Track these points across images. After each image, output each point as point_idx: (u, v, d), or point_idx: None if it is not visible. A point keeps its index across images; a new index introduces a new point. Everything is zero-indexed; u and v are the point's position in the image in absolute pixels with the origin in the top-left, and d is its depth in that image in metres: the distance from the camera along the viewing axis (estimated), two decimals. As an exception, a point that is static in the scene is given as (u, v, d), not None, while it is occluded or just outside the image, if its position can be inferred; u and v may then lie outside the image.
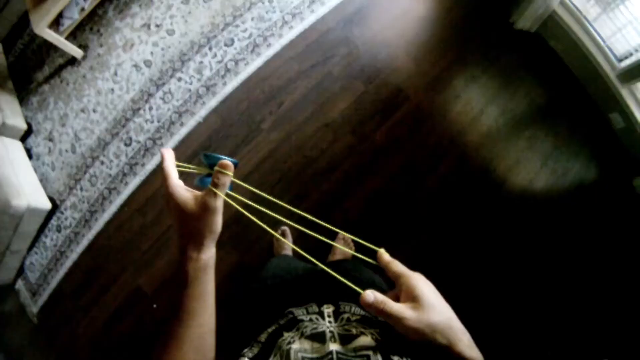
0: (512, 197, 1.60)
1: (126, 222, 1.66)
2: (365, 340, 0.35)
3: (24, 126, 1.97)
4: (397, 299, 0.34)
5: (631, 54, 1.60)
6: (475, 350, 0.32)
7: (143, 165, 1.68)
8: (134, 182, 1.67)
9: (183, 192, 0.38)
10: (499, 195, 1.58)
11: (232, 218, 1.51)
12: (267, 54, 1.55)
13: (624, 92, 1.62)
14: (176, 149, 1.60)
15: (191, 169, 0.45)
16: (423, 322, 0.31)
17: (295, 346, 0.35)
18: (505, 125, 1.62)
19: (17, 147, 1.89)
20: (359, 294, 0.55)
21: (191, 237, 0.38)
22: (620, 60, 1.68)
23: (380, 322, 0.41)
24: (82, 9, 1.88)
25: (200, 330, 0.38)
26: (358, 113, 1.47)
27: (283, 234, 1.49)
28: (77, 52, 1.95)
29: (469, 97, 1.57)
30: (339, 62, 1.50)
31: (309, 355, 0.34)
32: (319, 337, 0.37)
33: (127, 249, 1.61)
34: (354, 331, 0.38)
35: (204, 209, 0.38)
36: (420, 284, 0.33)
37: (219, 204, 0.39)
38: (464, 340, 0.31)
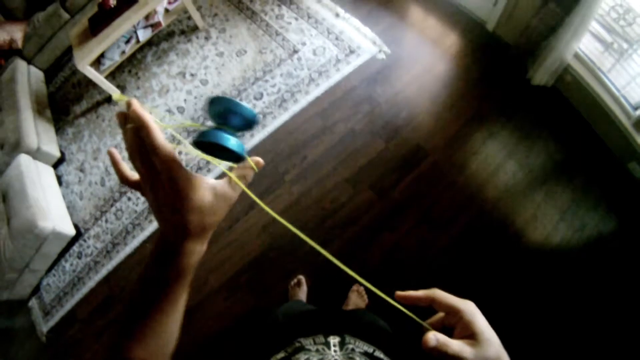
0: (529, 251, 1.60)
1: (147, 259, 1.72)
2: None
3: (58, 154, 2.10)
4: (443, 329, 0.33)
5: (645, 102, 1.62)
6: None
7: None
8: (145, 233, 1.74)
9: (190, 173, 0.28)
10: (516, 249, 1.59)
11: (250, 263, 1.55)
12: (293, 109, 1.64)
13: None
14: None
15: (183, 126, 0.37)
16: (480, 358, 0.30)
17: None
18: (523, 180, 1.64)
19: (49, 172, 2.01)
20: (368, 330, 0.56)
21: (199, 229, 0.30)
22: (636, 109, 1.69)
23: (381, 358, 0.42)
24: (123, 52, 2.05)
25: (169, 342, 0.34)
26: (378, 169, 1.52)
27: (298, 283, 1.52)
28: (115, 91, 2.10)
29: (486, 154, 1.61)
30: (361, 119, 1.58)
31: None
32: None
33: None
34: None
35: (225, 201, 0.31)
36: (477, 317, 0.32)
37: (237, 195, 0.33)
38: None
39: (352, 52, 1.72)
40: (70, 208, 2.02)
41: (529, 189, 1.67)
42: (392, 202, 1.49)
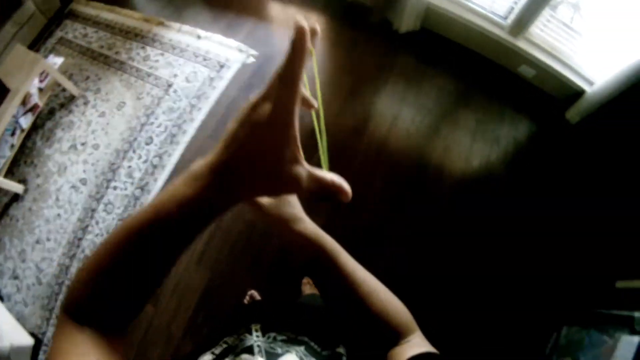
0: (455, 182, 1.65)
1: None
2: (291, 357, 0.38)
3: (-13, 275, 2.00)
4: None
5: (512, 8, 1.68)
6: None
7: (106, 277, 1.73)
8: None
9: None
10: (441, 186, 1.64)
11: (200, 299, 1.55)
12: (184, 140, 1.65)
13: (521, 44, 1.69)
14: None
15: None
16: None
17: None
18: (423, 121, 1.69)
19: None
20: (287, 316, 0.58)
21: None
22: (505, 18, 1.74)
23: (304, 341, 0.44)
24: (12, 145, 1.98)
25: None
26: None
27: (252, 298, 1.54)
28: (18, 188, 2.03)
29: (379, 112, 1.67)
30: (250, 127, 1.61)
31: None
32: (248, 350, 0.39)
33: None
34: (279, 350, 0.40)
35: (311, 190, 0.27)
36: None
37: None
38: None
39: (222, 66, 1.75)
40: (21, 319, 1.94)
41: (432, 127, 1.74)
42: (306, 191, 1.54)
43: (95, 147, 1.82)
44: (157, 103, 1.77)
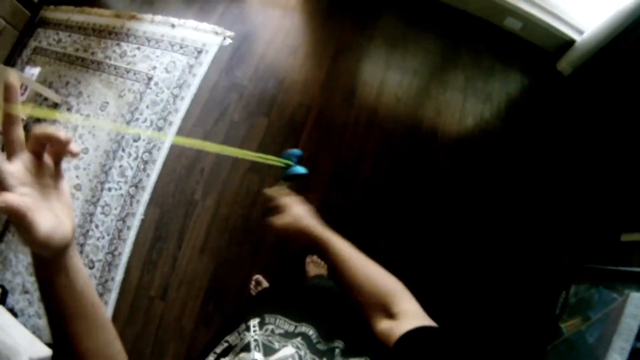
0: (450, 144, 1.61)
1: (122, 338, 1.68)
2: (287, 351, 0.38)
3: (-2, 292, 2.02)
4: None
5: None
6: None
7: (113, 279, 1.72)
8: (112, 298, 1.70)
9: None
10: (436, 148, 1.60)
11: (208, 290, 1.54)
12: (172, 131, 1.62)
13: None
14: (133, 251, 1.64)
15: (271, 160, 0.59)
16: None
17: None
18: (410, 84, 1.64)
19: (0, 311, 1.93)
20: (287, 300, 0.59)
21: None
22: None
23: (302, 332, 0.44)
24: (5, 164, 1.95)
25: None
26: (272, 144, 1.52)
27: (257, 283, 1.53)
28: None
29: (365, 78, 1.62)
30: (235, 108, 1.57)
31: None
32: (245, 348, 0.39)
33: None
34: (276, 345, 0.40)
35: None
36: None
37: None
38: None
39: (199, 52, 1.70)
40: (37, 331, 1.95)
41: (421, 89, 1.68)
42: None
43: (85, 151, 1.79)
44: (140, 98, 1.72)
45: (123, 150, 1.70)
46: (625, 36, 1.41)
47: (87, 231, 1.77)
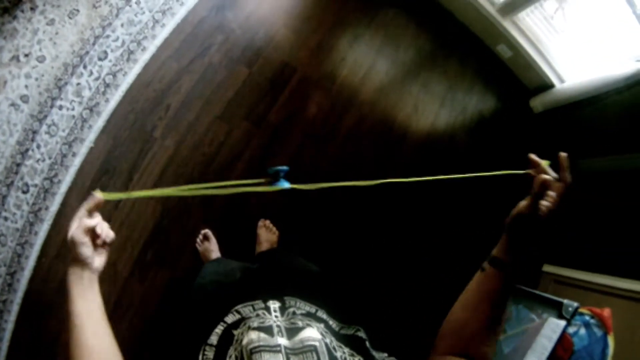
0: (417, 142, 1.66)
1: (49, 273, 1.55)
2: (312, 332, 0.37)
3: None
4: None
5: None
6: None
7: (47, 208, 1.57)
8: (43, 229, 1.56)
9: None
10: (404, 143, 1.64)
11: (150, 236, 1.44)
12: (143, 58, 1.47)
13: (507, 24, 1.71)
14: (74, 181, 1.51)
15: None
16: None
17: (244, 342, 0.36)
18: (396, 76, 1.65)
19: None
20: (305, 286, 0.58)
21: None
22: None
23: (324, 319, 0.44)
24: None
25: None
26: (248, 97, 1.43)
27: (205, 237, 1.45)
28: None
29: (355, 57, 1.57)
30: (217, 50, 1.45)
31: (256, 344, 0.35)
32: (266, 330, 0.38)
33: (59, 299, 1.51)
34: (300, 324, 0.39)
35: None
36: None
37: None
38: None
39: (193, -19, 1.54)
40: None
41: (404, 84, 1.68)
42: (271, 126, 1.42)
43: (41, 59, 1.59)
44: (116, 14, 1.54)
45: (85, 67, 1.53)
46: (598, 100, 1.54)
47: (27, 150, 1.60)
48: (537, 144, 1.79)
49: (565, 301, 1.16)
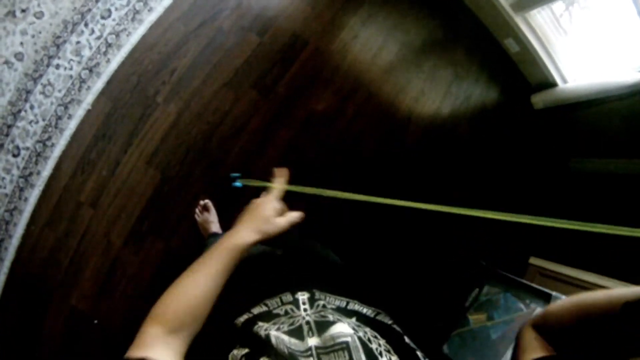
0: (421, 126, 1.66)
1: (39, 242, 1.48)
2: (343, 327, 0.35)
3: None
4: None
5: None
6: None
7: (39, 173, 1.49)
8: (33, 195, 1.48)
9: None
10: (408, 126, 1.64)
11: (147, 205, 1.39)
12: (149, 19, 1.40)
13: (518, 20, 1.71)
14: (69, 145, 1.44)
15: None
16: None
17: (273, 332, 0.36)
18: (406, 59, 1.64)
19: None
20: (332, 278, 0.59)
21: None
22: None
23: (356, 311, 0.42)
24: None
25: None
26: (256, 67, 1.38)
27: (205, 207, 1.40)
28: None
29: (367, 36, 1.55)
30: (228, 16, 1.39)
31: (287, 346, 0.34)
32: (296, 333, 0.36)
33: (47, 270, 1.44)
34: (330, 317, 0.38)
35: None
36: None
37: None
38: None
39: (205, -56, 1.48)
40: None
41: (413, 67, 1.68)
42: (278, 98, 1.38)
43: (39, 15, 1.51)
44: (122, -28, 1.48)
45: (86, 25, 1.46)
46: (597, 104, 1.57)
47: (19, 111, 1.51)
48: (536, 139, 1.82)
49: (554, 293, 1.20)
